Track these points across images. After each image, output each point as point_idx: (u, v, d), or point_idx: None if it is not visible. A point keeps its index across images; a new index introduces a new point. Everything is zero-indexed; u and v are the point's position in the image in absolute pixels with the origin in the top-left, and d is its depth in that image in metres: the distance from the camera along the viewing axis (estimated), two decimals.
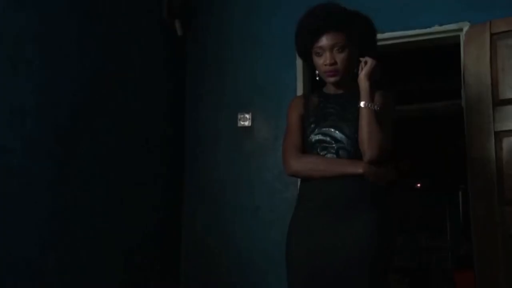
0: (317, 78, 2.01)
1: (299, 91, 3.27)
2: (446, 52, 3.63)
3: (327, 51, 1.90)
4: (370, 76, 1.87)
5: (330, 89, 2.02)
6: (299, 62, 3.28)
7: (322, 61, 1.92)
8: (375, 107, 1.84)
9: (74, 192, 2.66)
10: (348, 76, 1.94)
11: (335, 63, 1.90)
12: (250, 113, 3.44)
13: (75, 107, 2.72)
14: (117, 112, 3.00)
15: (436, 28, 3.06)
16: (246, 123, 3.45)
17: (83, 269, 2.68)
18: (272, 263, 3.11)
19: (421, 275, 5.19)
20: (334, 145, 1.89)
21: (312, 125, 1.94)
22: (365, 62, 1.89)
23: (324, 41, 1.90)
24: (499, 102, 2.73)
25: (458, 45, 3.03)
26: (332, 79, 1.94)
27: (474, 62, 2.84)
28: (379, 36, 3.01)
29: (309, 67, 2.01)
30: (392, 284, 5.74)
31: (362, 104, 1.85)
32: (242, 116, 3.46)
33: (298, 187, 2.08)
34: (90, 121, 2.81)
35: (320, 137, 1.91)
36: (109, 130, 2.93)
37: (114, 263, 2.91)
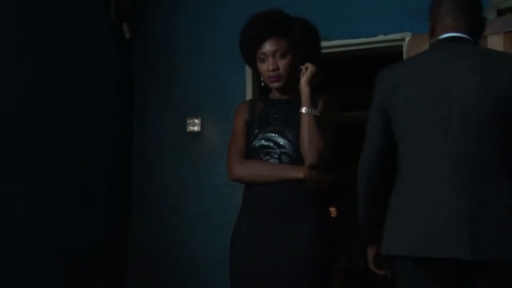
0: (262, 84, 2.03)
1: (249, 96, 3.29)
2: (392, 60, 3.75)
3: (270, 57, 1.92)
4: (311, 82, 1.90)
5: (275, 95, 2.03)
6: (248, 67, 3.30)
7: (265, 67, 1.94)
8: (316, 112, 1.87)
9: (17, 193, 2.61)
10: (292, 82, 1.96)
11: (277, 68, 1.92)
12: (200, 118, 3.43)
13: (19, 108, 2.66)
14: (62, 114, 2.95)
15: (381, 37, 3.18)
16: (195, 128, 3.43)
17: (23, 271, 2.60)
18: (221, 268, 3.08)
19: (370, 278, 5.33)
20: (276, 150, 1.91)
21: (256, 131, 1.95)
22: (306, 68, 1.92)
23: (267, 47, 1.92)
24: None
25: (401, 53, 3.15)
26: (275, 85, 1.96)
27: None
28: (326, 43, 3.13)
29: (258, 72, 2.03)
30: (340, 287, 5.84)
31: (303, 110, 1.87)
32: (191, 121, 3.44)
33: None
34: (33, 123, 2.75)
35: (263, 142, 1.92)
36: (53, 131, 2.88)
37: (57, 268, 2.85)
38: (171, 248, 3.38)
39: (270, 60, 1.92)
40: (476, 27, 1.70)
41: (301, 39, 1.94)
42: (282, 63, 1.92)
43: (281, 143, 1.91)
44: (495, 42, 2.56)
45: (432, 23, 1.72)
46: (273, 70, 1.92)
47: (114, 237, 3.35)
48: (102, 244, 3.21)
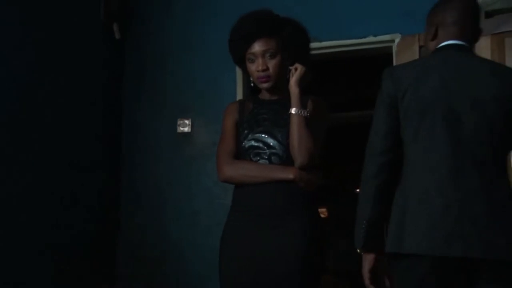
0: (252, 84, 2.03)
1: (239, 96, 3.29)
2: (382, 61, 3.78)
3: (259, 57, 1.92)
4: (300, 83, 1.90)
5: (265, 95, 2.03)
6: (238, 67, 3.30)
7: (254, 68, 1.94)
8: (305, 113, 1.87)
9: (4, 192, 2.60)
10: (282, 83, 1.96)
11: (267, 69, 1.92)
12: (190, 119, 3.43)
13: (7, 107, 2.64)
14: (51, 113, 2.94)
15: (371, 38, 3.20)
16: (186, 129, 3.43)
17: (9, 270, 2.59)
18: (211, 268, 3.08)
19: (362, 278, 5.33)
20: (266, 151, 1.91)
21: (246, 131, 1.95)
22: (295, 69, 1.92)
23: (256, 47, 1.92)
24: None
25: (391, 55, 3.17)
26: (265, 85, 1.96)
27: None
28: (317, 44, 3.15)
29: (247, 73, 2.04)
30: (332, 287, 5.86)
31: (292, 110, 1.87)
32: (181, 122, 3.43)
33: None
34: (22, 122, 2.74)
35: (253, 143, 1.92)
36: (42, 131, 2.86)
37: (44, 269, 2.83)
38: (161, 249, 3.37)
39: (260, 60, 1.92)
40: (475, 37, 1.77)
41: (290, 39, 1.95)
42: (272, 64, 1.92)
43: (271, 143, 1.91)
44: (482, 44, 2.58)
45: (435, 26, 1.74)
46: (263, 70, 1.92)
47: (102, 237, 3.33)
48: (91, 244, 3.20)
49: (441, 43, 1.73)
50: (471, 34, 1.75)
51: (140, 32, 3.64)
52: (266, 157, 1.90)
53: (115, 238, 3.45)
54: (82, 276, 3.08)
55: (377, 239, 1.65)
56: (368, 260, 1.69)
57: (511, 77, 1.66)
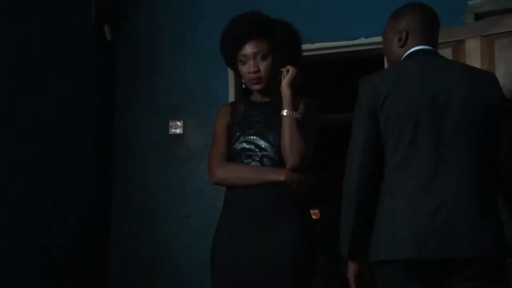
0: (243, 86, 2.03)
1: (231, 98, 3.29)
2: (374, 63, 3.80)
3: (251, 59, 1.93)
4: (292, 84, 1.91)
5: (256, 97, 2.04)
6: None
7: (246, 69, 1.94)
8: (297, 115, 1.88)
9: None
10: (274, 84, 1.96)
11: (258, 70, 1.93)
12: (182, 121, 3.42)
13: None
14: (41, 115, 2.92)
15: (362, 40, 3.22)
16: (178, 131, 3.42)
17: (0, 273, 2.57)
18: (203, 270, 3.08)
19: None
20: (258, 153, 1.91)
21: (237, 133, 1.95)
22: (287, 71, 1.92)
23: (247, 49, 1.93)
24: None
25: (382, 56, 3.18)
26: (256, 87, 1.96)
27: None
28: (308, 46, 3.15)
29: (239, 74, 2.04)
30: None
31: (284, 112, 1.88)
32: (173, 123, 3.43)
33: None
34: (12, 124, 2.72)
35: (244, 145, 1.93)
36: (32, 133, 2.85)
37: (34, 273, 2.82)
38: (153, 251, 3.36)
39: (251, 62, 1.93)
40: (437, 43, 1.81)
41: (282, 41, 1.95)
42: (263, 65, 1.93)
43: (263, 145, 1.92)
44: (472, 45, 2.60)
45: (405, 32, 1.76)
46: (254, 72, 1.93)
47: (94, 240, 3.32)
48: (82, 247, 3.18)
49: (410, 48, 1.75)
50: (436, 40, 1.80)
51: (132, 33, 3.63)
52: (258, 159, 1.91)
53: (106, 240, 3.44)
54: (73, 280, 3.06)
55: (362, 246, 1.68)
56: (353, 266, 1.73)
57: (483, 77, 1.70)
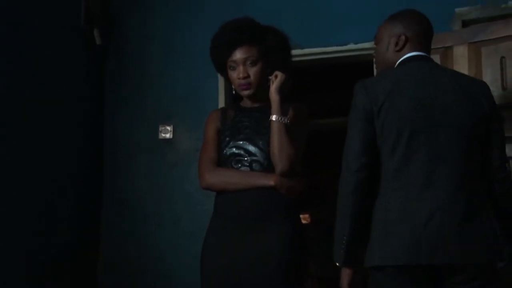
0: (233, 92, 2.04)
1: (221, 103, 3.29)
2: (365, 69, 3.83)
3: (240, 65, 1.94)
4: (281, 90, 1.92)
5: (246, 103, 2.05)
6: None
7: (235, 75, 1.96)
8: (286, 120, 1.89)
9: None
10: (263, 90, 1.97)
11: (247, 76, 1.94)
12: (172, 125, 3.42)
13: None
14: (30, 119, 2.90)
15: (351, 46, 3.24)
16: (167, 135, 3.42)
17: None
18: (193, 274, 3.07)
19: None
20: (247, 158, 1.92)
21: (227, 139, 1.96)
22: (275, 76, 1.93)
23: (237, 55, 1.94)
24: None
25: (371, 62, 3.20)
26: (246, 92, 1.97)
27: None
28: (298, 51, 3.17)
29: (229, 80, 2.04)
30: None
31: (273, 117, 1.89)
32: (163, 128, 3.43)
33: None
34: (0, 129, 2.70)
35: (234, 150, 1.93)
36: (21, 137, 2.83)
37: (22, 277, 2.79)
38: (143, 255, 3.34)
39: (241, 68, 1.94)
40: (430, 51, 1.83)
41: (271, 47, 1.97)
42: (253, 71, 1.94)
43: (252, 151, 1.92)
44: (460, 52, 2.63)
45: (405, 36, 1.76)
46: (244, 78, 1.94)
47: (84, 244, 3.29)
48: (72, 251, 3.16)
49: (405, 54, 1.76)
50: (429, 48, 1.82)
51: (121, 37, 3.63)
52: (247, 164, 1.92)
53: (96, 245, 3.42)
54: (63, 285, 3.04)
55: (357, 253, 1.66)
56: (347, 274, 1.70)
57: (476, 85, 1.73)
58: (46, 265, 2.94)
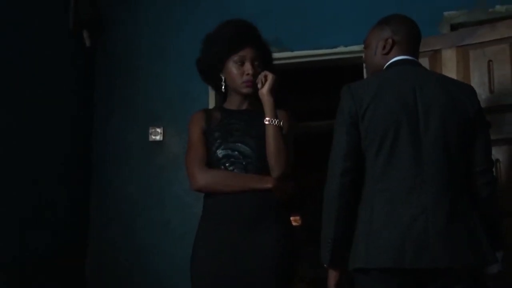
0: (223, 89, 1.99)
1: (211, 105, 3.28)
2: (355, 72, 3.84)
3: (249, 61, 1.92)
4: (273, 91, 1.90)
5: (232, 105, 2.02)
6: None
7: (241, 71, 1.92)
8: (279, 122, 1.88)
9: None
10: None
11: (255, 74, 1.92)
12: (162, 127, 3.41)
13: None
14: (18, 122, 2.87)
15: (341, 48, 3.25)
16: (157, 138, 3.41)
17: None
18: (183, 277, 3.06)
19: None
20: (242, 161, 1.90)
21: (218, 140, 1.93)
22: (265, 77, 1.91)
23: (248, 51, 1.92)
24: None
25: (361, 65, 3.22)
26: (247, 90, 1.94)
27: None
28: (288, 54, 3.19)
29: (215, 79, 1.99)
30: None
31: (266, 120, 1.88)
32: (153, 130, 3.42)
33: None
34: None
35: (227, 152, 1.91)
36: (9, 139, 2.80)
37: (13, 281, 2.76)
38: (132, 257, 3.33)
39: (249, 64, 1.92)
40: (418, 56, 1.84)
41: (265, 49, 1.99)
42: (257, 72, 1.93)
43: (247, 153, 1.90)
44: (448, 55, 2.66)
45: (392, 40, 1.77)
46: (253, 74, 1.91)
47: (72, 247, 3.27)
48: (60, 254, 3.13)
49: (393, 57, 1.77)
50: (417, 53, 1.83)
51: (111, 39, 3.61)
52: (242, 166, 1.89)
53: (85, 247, 3.39)
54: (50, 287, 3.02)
55: (343, 254, 1.67)
56: (333, 275, 1.72)
57: (462, 89, 1.74)
58: (33, 267, 2.91)
